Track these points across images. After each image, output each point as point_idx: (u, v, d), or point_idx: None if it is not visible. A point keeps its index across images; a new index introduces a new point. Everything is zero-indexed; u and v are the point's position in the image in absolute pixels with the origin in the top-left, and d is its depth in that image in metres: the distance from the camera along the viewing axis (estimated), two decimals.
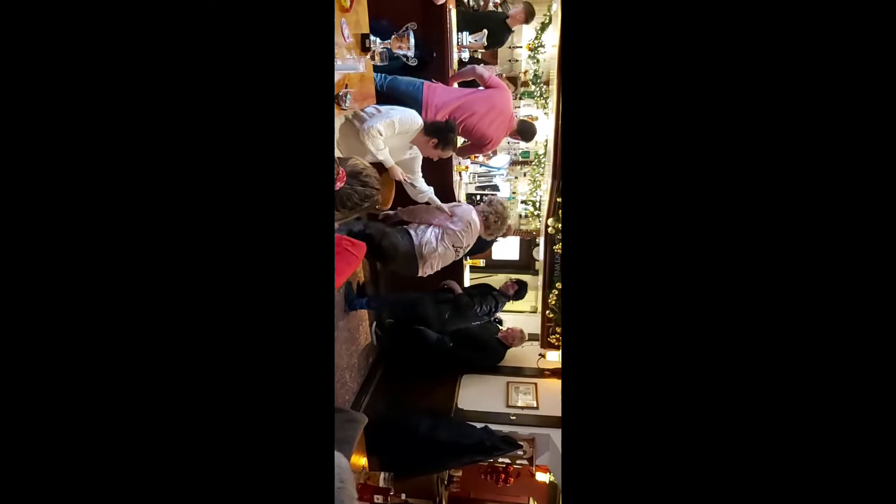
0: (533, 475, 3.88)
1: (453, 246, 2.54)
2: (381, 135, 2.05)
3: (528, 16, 3.29)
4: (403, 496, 2.00)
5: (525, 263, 5.62)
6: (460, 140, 3.20)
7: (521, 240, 5.23)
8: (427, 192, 2.45)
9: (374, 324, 3.60)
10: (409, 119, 2.15)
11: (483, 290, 3.27)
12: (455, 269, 3.52)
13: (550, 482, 4.31)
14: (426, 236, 2.48)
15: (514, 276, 3.45)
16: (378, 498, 1.88)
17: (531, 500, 4.45)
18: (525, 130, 2.89)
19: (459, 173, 3.55)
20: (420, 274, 2.55)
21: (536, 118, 4.04)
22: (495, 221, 2.58)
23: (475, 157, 4.15)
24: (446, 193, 3.17)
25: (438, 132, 2.19)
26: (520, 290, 3.17)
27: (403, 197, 2.51)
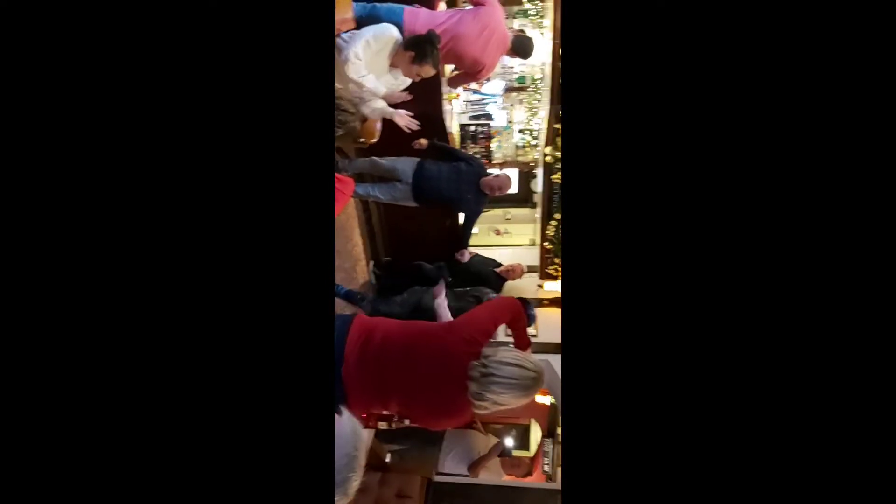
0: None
1: None
2: (360, 59, 1.89)
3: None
4: (407, 421, 2.09)
5: (524, 196, 5.54)
6: (450, 68, 3.00)
7: (519, 172, 5.11)
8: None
9: (372, 263, 3.60)
10: (382, 32, 1.98)
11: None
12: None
13: (551, 404, 4.53)
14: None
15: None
16: (383, 424, 1.96)
17: (532, 420, 4.70)
18: (521, 46, 2.66)
19: (450, 102, 3.38)
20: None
21: (532, 40, 3.78)
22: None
23: (467, 85, 3.94)
24: (436, 125, 3.03)
25: (416, 44, 2.00)
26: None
27: (392, 128, 2.39)
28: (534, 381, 1.14)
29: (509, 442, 4.25)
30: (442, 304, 2.53)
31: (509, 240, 5.30)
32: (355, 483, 0.76)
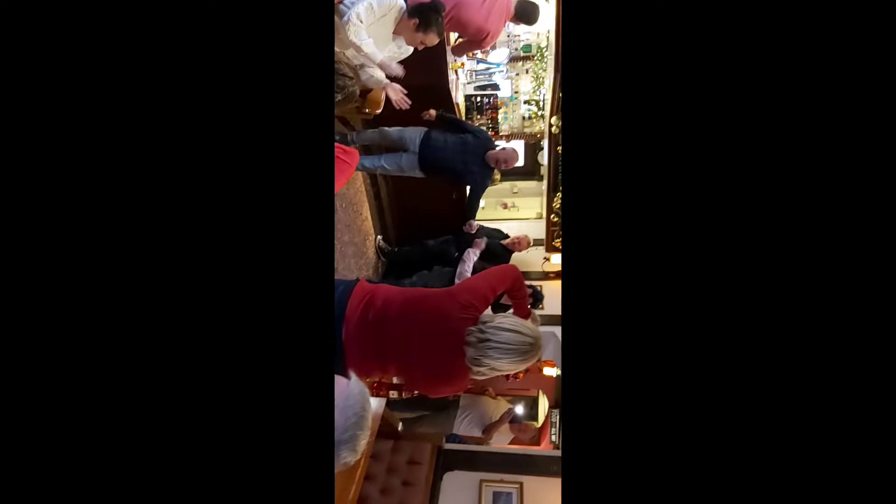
0: (541, 370, 4.12)
1: None
2: (361, 22, 1.87)
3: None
4: (416, 392, 2.14)
5: (530, 169, 5.48)
6: (454, 36, 2.95)
7: (525, 143, 5.04)
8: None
9: (380, 238, 3.62)
10: None
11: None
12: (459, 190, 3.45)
13: (557, 375, 4.59)
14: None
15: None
16: (393, 393, 2.01)
17: (540, 392, 4.77)
18: (525, 12, 2.61)
19: (455, 72, 3.32)
20: None
21: (537, 5, 3.67)
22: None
23: (473, 54, 3.87)
24: (442, 96, 2.99)
25: (420, 11, 1.98)
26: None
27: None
28: (531, 347, 1.15)
29: (519, 410, 4.33)
30: (471, 255, 2.57)
31: (516, 213, 5.28)
32: (363, 441, 0.79)
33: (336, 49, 1.34)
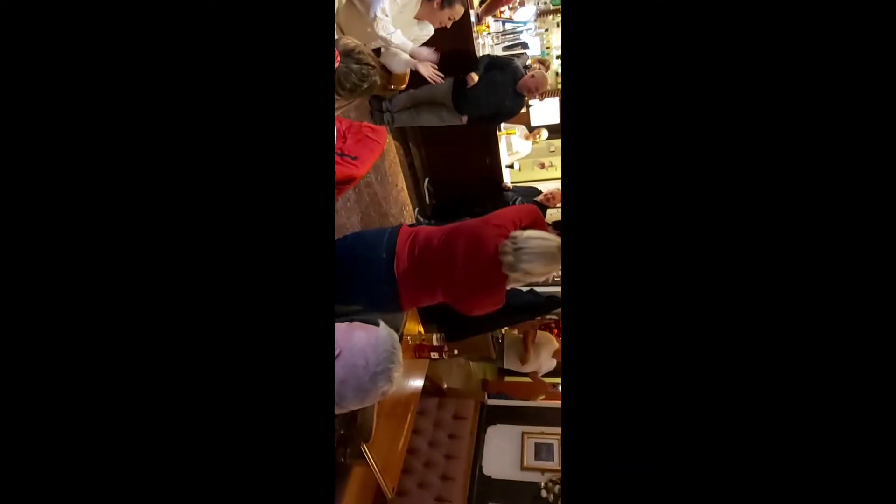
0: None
1: None
2: (387, 15, 1.92)
3: None
4: (455, 351, 2.27)
5: None
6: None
7: (560, 100, 4.89)
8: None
9: (427, 180, 3.73)
10: None
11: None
12: (493, 152, 3.48)
13: None
14: None
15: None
16: (434, 354, 2.14)
17: None
18: None
19: (480, 35, 3.27)
20: None
21: None
22: None
23: (500, 12, 3.76)
24: (469, 60, 2.97)
25: None
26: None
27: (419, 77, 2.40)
28: (558, 249, 1.34)
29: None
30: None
31: (554, 173, 5.21)
32: (396, 373, 0.90)
33: (359, 42, 1.40)
